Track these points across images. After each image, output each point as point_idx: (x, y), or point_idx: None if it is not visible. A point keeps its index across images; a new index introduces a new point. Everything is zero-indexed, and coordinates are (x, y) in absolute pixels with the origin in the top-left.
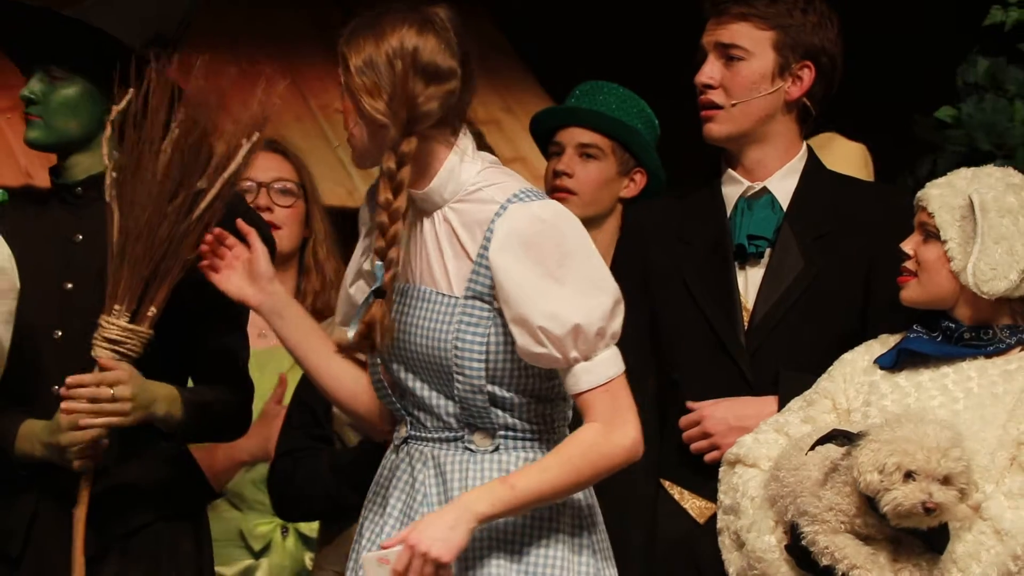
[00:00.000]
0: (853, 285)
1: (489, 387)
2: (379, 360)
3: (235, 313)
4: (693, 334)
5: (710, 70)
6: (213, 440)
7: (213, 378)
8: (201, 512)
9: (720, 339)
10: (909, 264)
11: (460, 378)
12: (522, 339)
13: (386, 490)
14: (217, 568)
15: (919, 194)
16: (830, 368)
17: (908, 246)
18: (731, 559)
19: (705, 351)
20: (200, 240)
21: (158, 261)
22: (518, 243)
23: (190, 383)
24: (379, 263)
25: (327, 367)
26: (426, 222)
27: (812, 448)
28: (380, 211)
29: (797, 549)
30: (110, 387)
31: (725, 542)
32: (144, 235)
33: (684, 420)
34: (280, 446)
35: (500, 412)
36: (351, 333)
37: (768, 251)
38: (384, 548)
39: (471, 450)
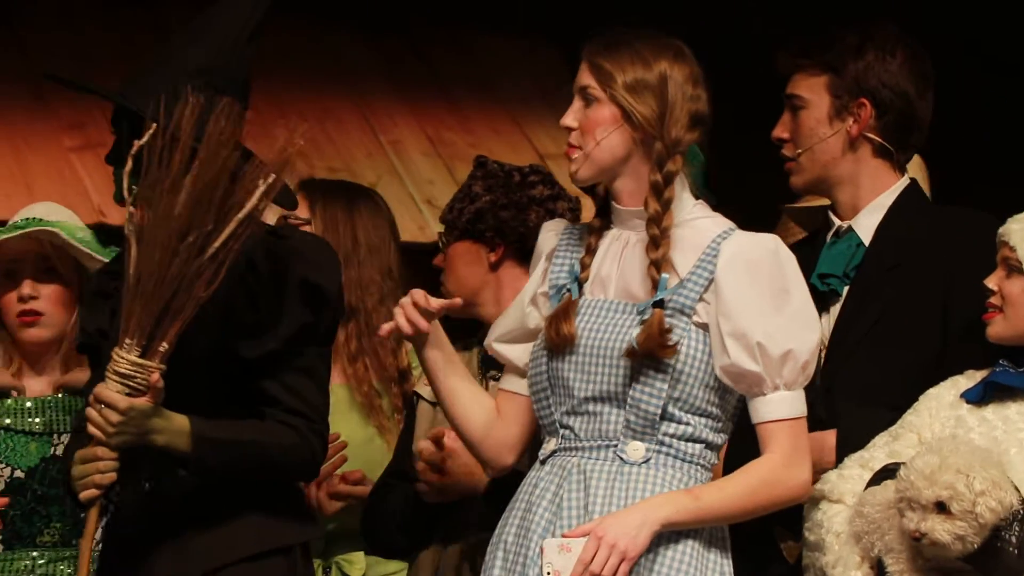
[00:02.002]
0: (926, 315)
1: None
2: (544, 369)
3: (304, 357)
4: None
5: (781, 126)
6: (271, 478)
7: (265, 416)
8: (292, 549)
9: None
10: (994, 300)
11: (641, 379)
12: (736, 354)
13: (528, 504)
14: None
15: (1001, 229)
16: (915, 403)
17: (992, 282)
18: None
19: None
20: (216, 279)
21: (168, 298)
22: (744, 264)
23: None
24: (664, 276)
25: (462, 394)
26: (632, 238)
27: (872, 482)
28: (651, 224)
29: None
30: (102, 407)
31: None
32: (155, 271)
33: None
34: (377, 481)
35: (664, 426)
36: (508, 351)
37: (847, 288)
38: (565, 538)
39: (621, 459)
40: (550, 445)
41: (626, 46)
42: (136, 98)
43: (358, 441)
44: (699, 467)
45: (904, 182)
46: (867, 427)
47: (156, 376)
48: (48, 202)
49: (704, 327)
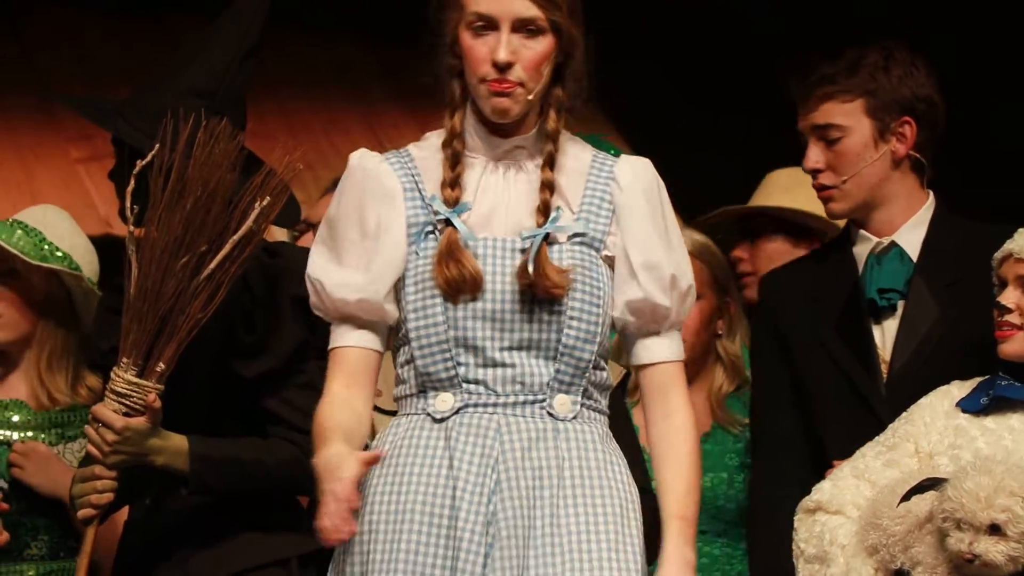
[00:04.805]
0: (988, 329)
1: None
2: (441, 320)
3: (304, 373)
4: (835, 392)
5: (814, 156)
6: (275, 495)
7: (267, 435)
8: (289, 561)
9: (861, 394)
10: (1011, 318)
11: (574, 324)
12: (649, 287)
13: (438, 466)
14: None
15: (1012, 246)
16: (905, 413)
17: (1010, 300)
18: None
19: (846, 407)
20: (213, 300)
21: (164, 318)
22: (643, 191)
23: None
24: (558, 209)
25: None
26: (512, 170)
27: (904, 499)
28: (549, 141)
29: None
30: (100, 426)
31: None
32: (151, 291)
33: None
34: None
35: (590, 374)
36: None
37: (901, 303)
38: None
39: (552, 416)
40: (447, 401)
41: None
42: (133, 121)
43: None
44: (606, 417)
45: (932, 196)
46: None
47: (153, 396)
48: (48, 206)
49: (610, 260)
